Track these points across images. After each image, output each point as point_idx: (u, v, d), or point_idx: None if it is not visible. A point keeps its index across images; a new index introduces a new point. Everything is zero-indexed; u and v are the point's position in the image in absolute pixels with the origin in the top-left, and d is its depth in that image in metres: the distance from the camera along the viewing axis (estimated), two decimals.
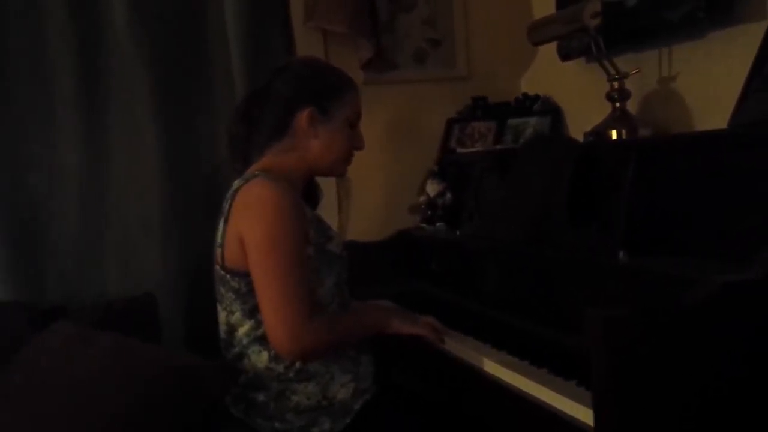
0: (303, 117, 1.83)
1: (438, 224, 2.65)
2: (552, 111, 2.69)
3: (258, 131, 1.88)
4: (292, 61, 2.01)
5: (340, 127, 1.87)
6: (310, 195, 1.93)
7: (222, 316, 1.84)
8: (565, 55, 2.54)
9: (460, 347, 1.87)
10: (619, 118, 2.11)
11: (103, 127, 2.41)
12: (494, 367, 1.70)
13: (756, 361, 1.27)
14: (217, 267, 1.82)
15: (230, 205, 1.78)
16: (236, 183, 1.82)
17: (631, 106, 2.16)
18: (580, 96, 2.57)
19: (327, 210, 2.43)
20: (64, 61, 2.36)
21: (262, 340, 1.77)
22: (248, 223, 1.73)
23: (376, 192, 2.79)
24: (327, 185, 2.51)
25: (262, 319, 1.72)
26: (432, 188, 2.69)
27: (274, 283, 1.68)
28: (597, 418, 1.27)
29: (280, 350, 1.72)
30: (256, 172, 1.80)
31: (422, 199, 2.74)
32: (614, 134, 2.09)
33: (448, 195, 2.65)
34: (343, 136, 1.88)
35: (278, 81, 1.88)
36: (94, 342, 1.83)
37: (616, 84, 2.11)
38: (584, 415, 1.36)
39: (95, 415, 1.64)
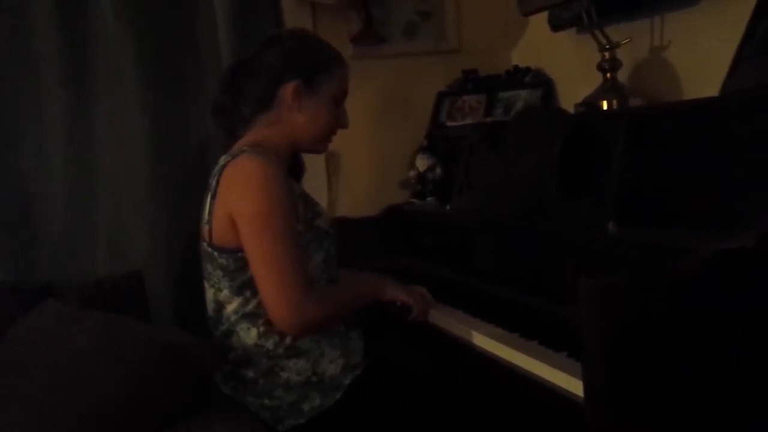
0: (289, 90, 1.81)
1: (428, 199, 2.63)
2: (543, 83, 2.66)
3: (243, 102, 1.86)
4: (282, 33, 1.98)
5: (326, 103, 1.85)
6: (293, 170, 1.91)
7: (210, 293, 1.83)
8: (556, 26, 2.51)
9: (451, 321, 1.86)
10: (610, 88, 2.10)
11: (90, 106, 2.38)
12: (484, 341, 1.70)
13: (749, 329, 1.26)
14: (204, 244, 1.81)
15: (217, 182, 1.76)
16: (223, 159, 1.80)
17: (623, 76, 2.14)
18: (572, 67, 2.54)
19: (316, 185, 2.42)
20: (50, 40, 2.32)
21: (251, 317, 1.75)
22: (238, 199, 1.71)
23: (366, 167, 2.77)
24: (316, 161, 2.49)
25: (261, 296, 1.71)
26: (422, 163, 2.67)
27: (270, 258, 1.67)
28: (587, 389, 1.26)
29: (281, 325, 1.71)
30: (244, 148, 1.78)
31: (412, 173, 2.72)
32: (605, 105, 2.08)
33: (438, 169, 2.63)
34: (327, 113, 1.86)
35: (267, 52, 1.86)
36: (82, 320, 1.81)
37: (607, 54, 2.10)
38: (575, 386, 1.35)
39: (84, 393, 1.63)
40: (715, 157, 1.54)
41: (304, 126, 1.84)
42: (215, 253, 1.77)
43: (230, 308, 1.78)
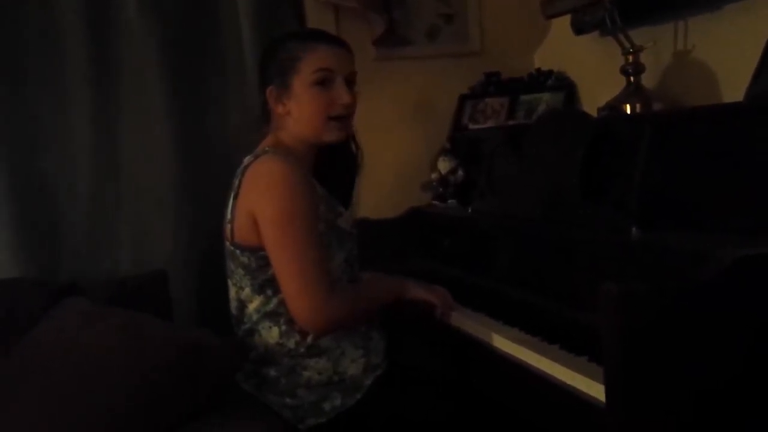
0: (269, 97, 1.84)
1: (450, 201, 2.64)
2: (566, 86, 2.66)
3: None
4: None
5: (305, 92, 1.81)
6: (319, 171, 1.92)
7: (232, 291, 1.85)
8: (579, 29, 2.50)
9: (472, 324, 1.86)
10: (633, 92, 2.09)
11: (115, 105, 2.41)
12: (506, 344, 1.69)
13: None
14: (227, 243, 1.82)
15: (240, 182, 1.78)
16: (246, 159, 1.82)
17: (646, 80, 2.13)
18: (594, 70, 2.54)
19: None
20: (75, 42, 2.35)
21: (273, 316, 1.77)
22: (260, 199, 1.73)
23: (388, 169, 2.77)
24: None
25: (284, 295, 1.72)
26: (444, 165, 2.68)
27: (293, 257, 1.69)
28: (608, 393, 1.26)
29: (305, 324, 1.72)
30: (266, 149, 1.79)
31: (434, 176, 2.72)
32: (628, 108, 2.07)
33: (460, 172, 2.64)
34: (311, 100, 1.81)
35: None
36: (105, 318, 1.83)
37: (630, 58, 2.09)
38: (596, 390, 1.35)
39: (106, 390, 1.65)
40: (739, 162, 1.54)
41: (296, 122, 1.84)
42: (237, 252, 1.78)
43: (252, 307, 1.79)
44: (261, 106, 1.88)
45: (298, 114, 1.83)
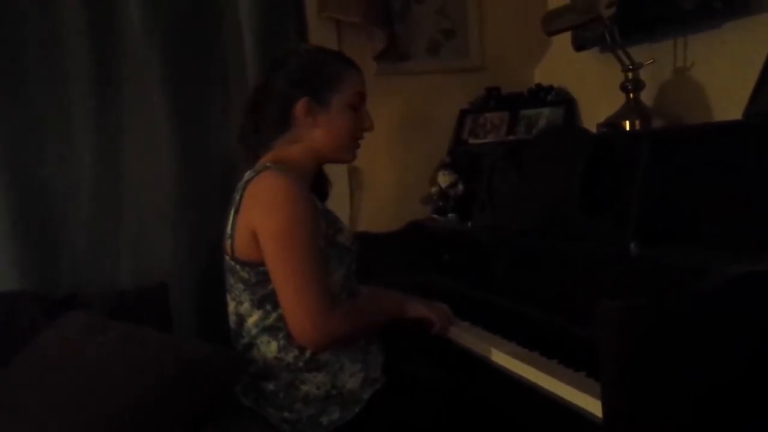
0: (299, 108, 1.83)
1: (450, 215, 2.64)
2: (565, 102, 2.67)
3: (264, 123, 1.89)
4: (286, 53, 1.98)
5: (340, 112, 1.85)
6: (318, 187, 1.93)
7: (231, 306, 1.85)
8: (579, 46, 2.52)
9: (471, 338, 1.87)
10: (632, 108, 2.10)
11: (116, 117, 2.41)
12: (504, 358, 1.70)
13: (766, 351, 1.26)
14: (227, 257, 1.83)
15: (241, 197, 1.78)
16: (247, 174, 1.82)
17: (645, 96, 2.15)
18: (594, 86, 2.55)
19: (339, 201, 2.43)
20: (77, 51, 2.36)
21: (271, 330, 1.77)
22: (261, 215, 1.73)
23: (388, 183, 2.79)
24: (339, 175, 2.51)
25: (284, 311, 1.72)
26: (444, 179, 2.68)
27: (294, 274, 1.69)
28: (606, 409, 1.26)
29: (303, 340, 1.72)
30: (267, 164, 1.79)
31: (434, 190, 2.73)
32: (627, 125, 2.08)
33: (460, 186, 2.64)
34: (345, 121, 1.86)
35: (274, 76, 1.89)
36: (105, 331, 1.83)
37: (630, 74, 2.10)
38: (593, 406, 1.35)
39: (105, 403, 1.65)
40: (737, 179, 1.54)
41: (323, 139, 1.86)
42: (237, 267, 1.79)
43: (251, 321, 1.80)
44: (280, 113, 1.86)
45: (329, 130, 1.85)
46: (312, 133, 1.85)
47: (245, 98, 2.41)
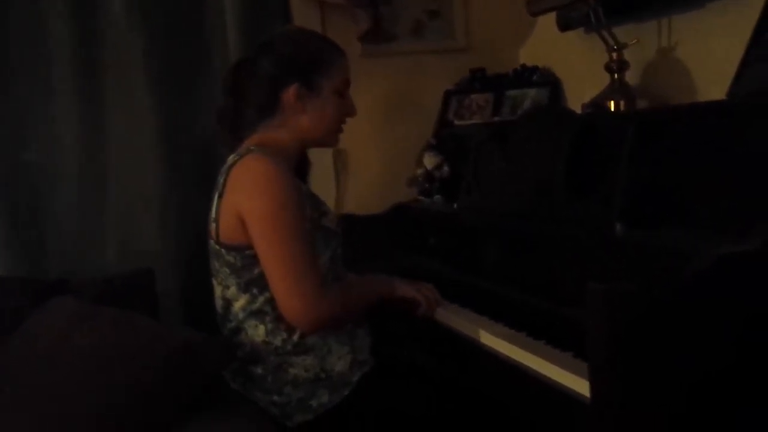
0: (289, 94, 1.82)
1: (435, 197, 2.64)
2: (551, 82, 2.67)
3: (247, 105, 1.88)
4: (275, 36, 1.94)
5: (329, 98, 1.86)
6: (299, 170, 1.92)
7: (217, 290, 1.85)
8: (564, 26, 2.51)
9: (458, 320, 1.87)
10: (617, 89, 2.10)
11: (100, 102, 2.40)
12: (492, 339, 1.71)
13: (755, 333, 1.27)
14: (212, 242, 1.82)
15: (225, 180, 1.77)
16: (231, 158, 1.81)
17: (630, 77, 2.15)
18: (579, 67, 2.55)
19: (323, 183, 2.43)
20: (61, 35, 2.34)
21: (258, 314, 1.77)
22: (246, 199, 1.73)
23: (373, 165, 2.78)
24: (323, 158, 2.51)
25: (274, 293, 1.72)
26: (429, 161, 2.68)
27: (282, 256, 1.69)
28: (593, 390, 1.27)
29: (295, 321, 1.73)
30: (252, 147, 1.79)
31: (420, 171, 2.72)
32: (613, 105, 2.08)
33: (446, 168, 2.64)
34: (332, 107, 1.87)
35: (262, 59, 1.86)
36: (93, 317, 1.83)
37: (615, 55, 2.10)
38: (581, 386, 1.36)
39: (94, 388, 1.65)
40: (722, 159, 1.55)
41: (311, 124, 1.86)
42: (222, 251, 1.78)
43: (238, 305, 1.79)
44: (267, 98, 1.85)
45: (318, 116, 1.85)
46: (299, 118, 1.84)
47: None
